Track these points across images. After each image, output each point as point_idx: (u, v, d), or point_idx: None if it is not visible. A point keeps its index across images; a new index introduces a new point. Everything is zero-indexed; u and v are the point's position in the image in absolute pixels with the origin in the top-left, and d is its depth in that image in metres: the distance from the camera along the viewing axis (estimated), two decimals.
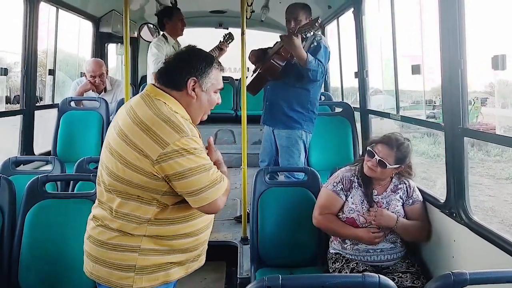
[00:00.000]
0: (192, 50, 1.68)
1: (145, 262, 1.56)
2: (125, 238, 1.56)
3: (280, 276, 1.14)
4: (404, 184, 2.35)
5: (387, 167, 2.23)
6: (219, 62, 1.67)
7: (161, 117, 1.50)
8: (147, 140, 1.47)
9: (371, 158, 2.26)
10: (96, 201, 1.66)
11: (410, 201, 2.33)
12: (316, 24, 2.88)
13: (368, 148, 2.30)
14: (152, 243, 1.56)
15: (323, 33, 5.01)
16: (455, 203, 2.11)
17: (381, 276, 1.17)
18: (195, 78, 1.59)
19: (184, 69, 1.59)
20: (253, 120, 3.52)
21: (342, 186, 2.34)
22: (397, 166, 2.25)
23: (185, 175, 1.49)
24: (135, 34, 5.36)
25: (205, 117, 1.70)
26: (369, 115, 3.61)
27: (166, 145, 1.46)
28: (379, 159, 2.23)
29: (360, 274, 1.19)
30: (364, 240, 2.24)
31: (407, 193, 2.33)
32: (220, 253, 3.09)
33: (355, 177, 2.35)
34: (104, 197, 1.60)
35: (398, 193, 2.33)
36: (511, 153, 10.31)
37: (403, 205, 2.32)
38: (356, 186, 2.33)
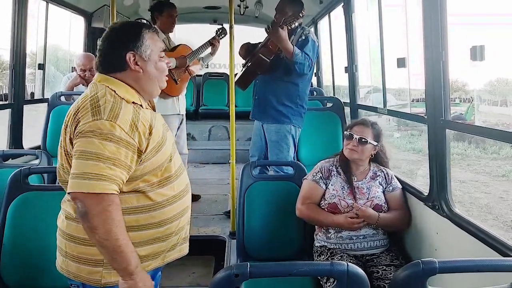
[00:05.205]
0: (114, 28, 1.54)
1: None
2: None
3: (248, 263, 1.14)
4: (382, 172, 2.43)
5: (368, 142, 2.35)
6: (147, 25, 1.56)
7: (92, 99, 1.41)
8: (73, 124, 1.40)
9: (350, 140, 2.37)
10: (66, 195, 1.55)
11: (390, 188, 2.40)
12: (300, 14, 2.86)
13: (346, 132, 2.42)
14: None
15: (316, 29, 5.01)
16: (438, 196, 2.11)
17: (349, 264, 1.16)
18: (132, 51, 1.47)
19: (117, 47, 1.47)
20: (247, 116, 3.51)
21: (321, 175, 2.41)
22: (376, 143, 2.38)
23: (78, 155, 1.36)
24: None
25: (164, 85, 1.59)
26: (359, 110, 3.62)
27: (77, 125, 1.38)
28: (359, 137, 2.34)
29: (329, 262, 1.19)
30: (343, 226, 2.28)
31: (386, 180, 2.41)
32: (209, 248, 3.10)
33: (334, 166, 2.43)
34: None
35: (377, 179, 2.41)
36: (508, 150, 10.30)
37: (384, 192, 2.39)
38: (335, 174, 2.41)
